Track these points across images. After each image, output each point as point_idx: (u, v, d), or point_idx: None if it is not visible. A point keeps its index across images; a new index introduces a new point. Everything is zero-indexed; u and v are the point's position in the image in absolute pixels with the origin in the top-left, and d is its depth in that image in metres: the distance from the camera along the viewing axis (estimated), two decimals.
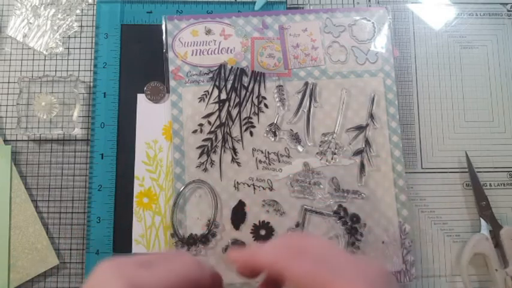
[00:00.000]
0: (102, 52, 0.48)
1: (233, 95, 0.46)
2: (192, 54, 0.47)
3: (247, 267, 0.31)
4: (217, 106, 0.46)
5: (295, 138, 0.46)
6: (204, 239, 0.44)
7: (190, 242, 0.44)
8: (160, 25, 0.47)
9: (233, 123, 0.46)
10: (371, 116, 0.47)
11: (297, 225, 0.45)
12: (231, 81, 0.47)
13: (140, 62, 0.48)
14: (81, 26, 0.49)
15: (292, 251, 0.30)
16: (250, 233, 0.45)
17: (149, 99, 0.47)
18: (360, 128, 0.46)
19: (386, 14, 0.49)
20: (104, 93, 0.47)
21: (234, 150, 0.46)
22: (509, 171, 0.49)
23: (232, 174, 0.45)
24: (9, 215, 0.45)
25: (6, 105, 0.47)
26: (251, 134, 0.46)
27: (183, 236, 0.44)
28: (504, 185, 0.48)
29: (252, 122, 0.46)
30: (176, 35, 0.47)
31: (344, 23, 0.49)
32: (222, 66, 0.47)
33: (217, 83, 0.46)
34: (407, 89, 0.50)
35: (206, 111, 0.46)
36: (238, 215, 0.45)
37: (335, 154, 0.46)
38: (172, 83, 0.46)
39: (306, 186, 0.45)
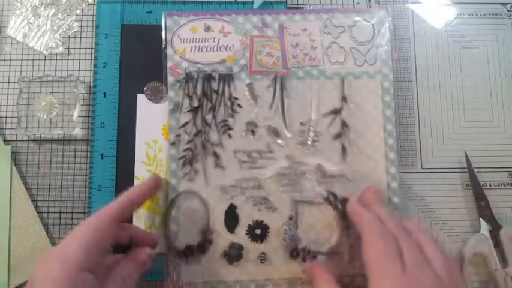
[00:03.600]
0: (102, 52, 0.48)
1: (205, 100, 0.46)
2: (190, 51, 0.47)
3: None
4: (191, 114, 0.46)
5: (274, 132, 0.46)
6: (201, 248, 0.44)
7: (187, 253, 0.44)
8: (161, 25, 0.47)
9: (210, 129, 0.46)
10: (343, 99, 0.47)
11: (291, 218, 0.45)
12: (200, 88, 0.46)
13: (140, 62, 0.48)
14: (81, 26, 0.49)
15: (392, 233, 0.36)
16: (246, 234, 0.44)
17: (149, 99, 0.47)
18: (335, 112, 0.46)
19: (386, 16, 0.49)
20: (104, 93, 0.47)
21: (216, 155, 0.45)
22: (509, 171, 0.49)
23: (217, 179, 0.45)
24: (9, 215, 0.45)
25: (6, 105, 0.47)
26: (229, 136, 0.46)
27: (180, 247, 0.44)
28: (504, 185, 0.48)
29: (228, 125, 0.46)
30: (175, 31, 0.47)
31: (344, 23, 0.49)
32: (188, 75, 0.46)
33: (186, 92, 0.46)
34: (407, 89, 0.50)
35: (182, 121, 0.46)
36: (231, 218, 0.45)
37: (315, 141, 0.46)
38: (170, 79, 0.46)
39: (293, 179, 0.45)
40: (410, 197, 0.48)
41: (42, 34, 0.49)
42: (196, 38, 0.47)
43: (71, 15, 0.49)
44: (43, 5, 0.49)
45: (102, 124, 0.46)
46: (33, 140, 0.47)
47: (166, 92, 0.46)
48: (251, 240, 0.44)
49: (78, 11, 0.49)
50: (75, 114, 0.47)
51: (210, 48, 0.47)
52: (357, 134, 0.46)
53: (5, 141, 0.47)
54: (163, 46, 0.47)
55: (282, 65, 0.47)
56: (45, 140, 0.47)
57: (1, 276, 0.43)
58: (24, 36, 0.49)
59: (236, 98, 0.46)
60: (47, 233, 0.45)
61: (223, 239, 0.44)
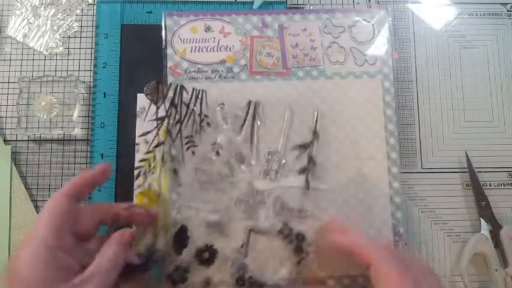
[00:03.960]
0: (102, 52, 0.48)
1: (173, 111, 0.45)
2: (190, 51, 0.47)
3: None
4: (154, 124, 0.45)
5: (239, 157, 0.45)
6: (144, 266, 0.39)
7: (126, 271, 0.37)
8: (161, 25, 0.47)
9: (173, 142, 0.44)
10: (314, 134, 0.46)
11: (242, 246, 0.43)
12: (170, 98, 0.45)
13: (140, 62, 0.48)
14: (81, 26, 0.49)
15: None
16: (194, 257, 0.43)
17: (149, 99, 0.47)
18: (304, 146, 0.46)
19: (386, 16, 0.49)
20: (104, 93, 0.47)
21: (175, 171, 0.44)
22: (509, 171, 0.49)
23: (173, 196, 0.44)
24: (9, 215, 0.45)
25: (6, 105, 0.47)
26: (193, 153, 0.45)
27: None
28: (504, 185, 0.48)
29: (194, 141, 0.45)
30: (175, 31, 0.47)
31: (344, 23, 0.49)
32: (158, 83, 0.45)
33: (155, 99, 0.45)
34: (407, 89, 0.50)
35: (143, 130, 0.44)
36: (180, 239, 0.43)
37: (279, 173, 0.45)
38: (170, 79, 0.46)
39: (251, 207, 0.44)
40: (410, 197, 0.48)
41: (42, 34, 0.49)
42: (196, 38, 0.47)
43: (71, 15, 0.49)
44: (43, 5, 0.49)
45: (102, 124, 0.46)
46: (33, 140, 0.47)
47: (167, 92, 0.46)
48: (198, 264, 0.43)
49: (78, 11, 0.49)
50: (75, 114, 0.47)
51: (210, 48, 0.47)
52: (324, 170, 0.45)
53: (5, 141, 0.47)
54: (163, 46, 0.47)
55: (282, 65, 0.47)
56: (45, 140, 0.47)
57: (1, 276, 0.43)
58: (24, 36, 0.49)
59: (207, 116, 0.45)
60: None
61: (168, 259, 0.42)
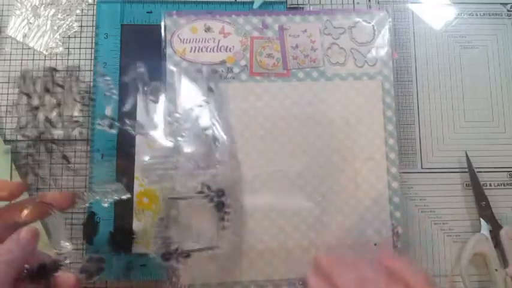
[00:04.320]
0: (102, 52, 0.48)
1: (47, 97, 0.44)
2: (190, 51, 0.47)
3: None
4: (31, 115, 0.44)
5: (138, 125, 0.43)
6: (56, 266, 0.35)
7: (40, 274, 0.33)
8: (160, 25, 0.47)
9: (55, 128, 0.43)
10: (209, 89, 0.45)
11: (161, 218, 0.42)
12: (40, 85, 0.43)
13: (140, 62, 0.48)
14: (81, 26, 0.49)
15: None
16: (107, 244, 0.41)
17: (149, 99, 0.47)
18: (200, 105, 0.44)
19: (386, 17, 0.49)
20: (104, 93, 0.47)
21: (65, 157, 0.43)
22: (509, 171, 0.49)
23: (70, 183, 0.42)
24: None
25: (6, 105, 0.47)
26: (80, 133, 0.43)
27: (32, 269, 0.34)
28: (504, 185, 0.48)
29: (78, 121, 0.43)
30: (175, 32, 0.47)
31: (344, 25, 0.49)
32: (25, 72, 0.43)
33: (24, 90, 0.44)
34: (407, 89, 0.50)
35: (20, 124, 0.43)
36: (89, 227, 0.41)
37: (184, 134, 0.43)
38: (169, 79, 0.46)
39: (162, 174, 0.42)
40: (410, 197, 0.48)
41: (42, 34, 0.49)
42: (196, 39, 0.47)
43: (71, 15, 0.49)
44: (43, 5, 0.49)
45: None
46: (33, 140, 0.47)
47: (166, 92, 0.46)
48: (113, 249, 0.41)
49: (78, 11, 0.49)
50: (75, 114, 0.47)
51: (210, 48, 0.47)
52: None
53: (5, 141, 0.47)
54: (163, 46, 0.47)
55: (282, 66, 0.47)
56: (45, 140, 0.47)
57: None
58: (24, 36, 0.49)
59: (87, 92, 0.43)
60: (46, 233, 0.45)
61: (79, 252, 0.40)
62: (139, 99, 0.47)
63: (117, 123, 0.45)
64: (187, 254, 0.41)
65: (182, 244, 0.41)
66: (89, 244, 0.41)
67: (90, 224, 0.42)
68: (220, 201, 0.42)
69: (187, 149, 0.43)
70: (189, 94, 0.45)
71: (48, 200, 0.36)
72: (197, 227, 0.42)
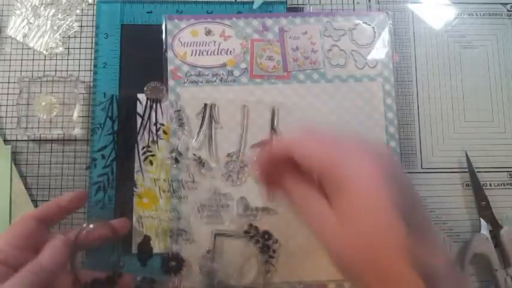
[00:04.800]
0: (102, 52, 0.48)
1: (128, 124, 0.45)
2: (191, 55, 0.47)
3: (265, 160, 0.32)
4: (111, 138, 0.45)
5: (199, 162, 0.45)
6: (110, 281, 0.40)
7: (94, 286, 0.39)
8: (161, 25, 0.47)
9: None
10: (272, 129, 0.46)
11: (208, 251, 0.43)
12: (124, 111, 0.45)
13: (140, 62, 0.48)
14: (81, 26, 0.49)
15: (304, 132, 0.31)
16: (161, 267, 0.43)
17: (149, 99, 0.47)
18: (264, 144, 0.45)
19: (386, 19, 0.49)
20: (104, 93, 0.47)
21: (134, 182, 0.44)
22: (509, 171, 0.49)
23: (133, 208, 0.44)
24: (9, 215, 0.45)
25: (6, 105, 0.47)
26: (151, 163, 0.45)
27: (87, 280, 0.39)
28: (504, 185, 0.48)
29: (151, 151, 0.45)
30: (176, 35, 0.47)
31: (344, 26, 0.49)
32: (113, 98, 0.45)
33: (109, 114, 0.45)
34: (407, 89, 0.50)
35: (100, 144, 0.45)
36: (144, 250, 0.43)
37: (241, 173, 0.45)
38: (171, 82, 0.46)
39: (215, 210, 0.44)
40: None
41: (42, 34, 0.49)
42: (196, 42, 0.47)
43: (71, 15, 0.49)
44: (43, 5, 0.49)
45: (102, 124, 0.46)
46: (33, 140, 0.47)
47: (167, 92, 0.46)
48: (165, 273, 0.43)
49: (78, 11, 0.49)
50: (75, 114, 0.47)
51: (211, 52, 0.47)
52: None
53: (5, 141, 0.47)
54: (163, 49, 0.47)
55: (283, 69, 0.47)
56: (45, 140, 0.47)
57: None
58: (24, 36, 0.49)
59: (162, 124, 0.45)
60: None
61: (134, 272, 0.42)
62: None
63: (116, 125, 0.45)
64: None
65: (225, 278, 0.43)
66: (142, 266, 0.43)
67: (146, 246, 0.43)
68: (266, 244, 0.43)
69: (242, 189, 0.45)
70: (252, 132, 0.46)
71: (65, 201, 0.40)
72: (241, 265, 0.43)
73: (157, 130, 0.45)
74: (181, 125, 0.45)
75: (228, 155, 0.45)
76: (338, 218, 0.28)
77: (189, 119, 0.46)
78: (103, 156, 0.45)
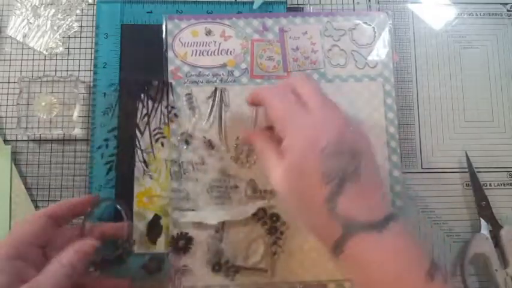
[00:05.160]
0: (102, 52, 0.48)
1: (140, 106, 0.46)
2: (191, 55, 0.47)
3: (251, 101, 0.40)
4: (123, 119, 0.46)
5: (209, 144, 0.45)
6: (119, 259, 0.42)
7: (103, 265, 0.41)
8: (161, 25, 0.47)
9: (142, 135, 0.45)
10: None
11: (217, 231, 0.44)
12: (136, 93, 0.46)
13: (140, 62, 0.48)
14: (81, 26, 0.49)
15: (281, 90, 0.37)
16: (169, 245, 0.43)
17: (149, 99, 0.47)
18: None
19: (387, 19, 0.49)
20: (104, 93, 0.47)
21: (145, 162, 0.45)
22: (509, 171, 0.49)
23: (144, 187, 0.45)
24: (9, 215, 0.45)
25: (6, 105, 0.47)
26: (162, 144, 0.45)
27: (94, 260, 0.40)
28: (504, 185, 0.49)
29: (162, 133, 0.45)
30: (176, 35, 0.47)
31: (344, 26, 0.49)
32: (125, 80, 0.46)
33: (120, 96, 0.46)
34: (407, 89, 0.50)
35: (111, 126, 0.46)
36: (154, 229, 0.44)
37: (250, 156, 0.45)
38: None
39: (223, 191, 0.45)
40: (410, 197, 0.48)
41: (42, 34, 0.49)
42: (197, 42, 0.47)
43: (71, 15, 0.49)
44: (43, 5, 0.49)
45: (102, 124, 0.46)
46: (33, 140, 0.47)
47: (167, 93, 0.46)
48: (173, 252, 0.43)
49: (78, 11, 0.49)
50: (75, 114, 0.47)
51: (211, 52, 0.47)
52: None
53: (5, 141, 0.47)
54: (164, 49, 0.47)
55: (283, 69, 0.47)
56: (45, 140, 0.47)
57: None
58: (24, 36, 0.49)
59: (173, 107, 0.46)
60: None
61: (144, 250, 0.43)
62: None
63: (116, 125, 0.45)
64: (236, 270, 0.44)
65: (232, 258, 0.44)
66: (152, 244, 0.44)
67: (156, 225, 0.44)
68: (273, 226, 0.44)
69: (251, 172, 0.45)
70: (261, 116, 0.46)
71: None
72: (248, 246, 0.44)
73: (168, 112, 0.46)
74: (191, 108, 0.46)
75: (238, 137, 0.46)
76: (281, 155, 0.35)
77: (198, 101, 0.46)
78: (115, 137, 0.46)
